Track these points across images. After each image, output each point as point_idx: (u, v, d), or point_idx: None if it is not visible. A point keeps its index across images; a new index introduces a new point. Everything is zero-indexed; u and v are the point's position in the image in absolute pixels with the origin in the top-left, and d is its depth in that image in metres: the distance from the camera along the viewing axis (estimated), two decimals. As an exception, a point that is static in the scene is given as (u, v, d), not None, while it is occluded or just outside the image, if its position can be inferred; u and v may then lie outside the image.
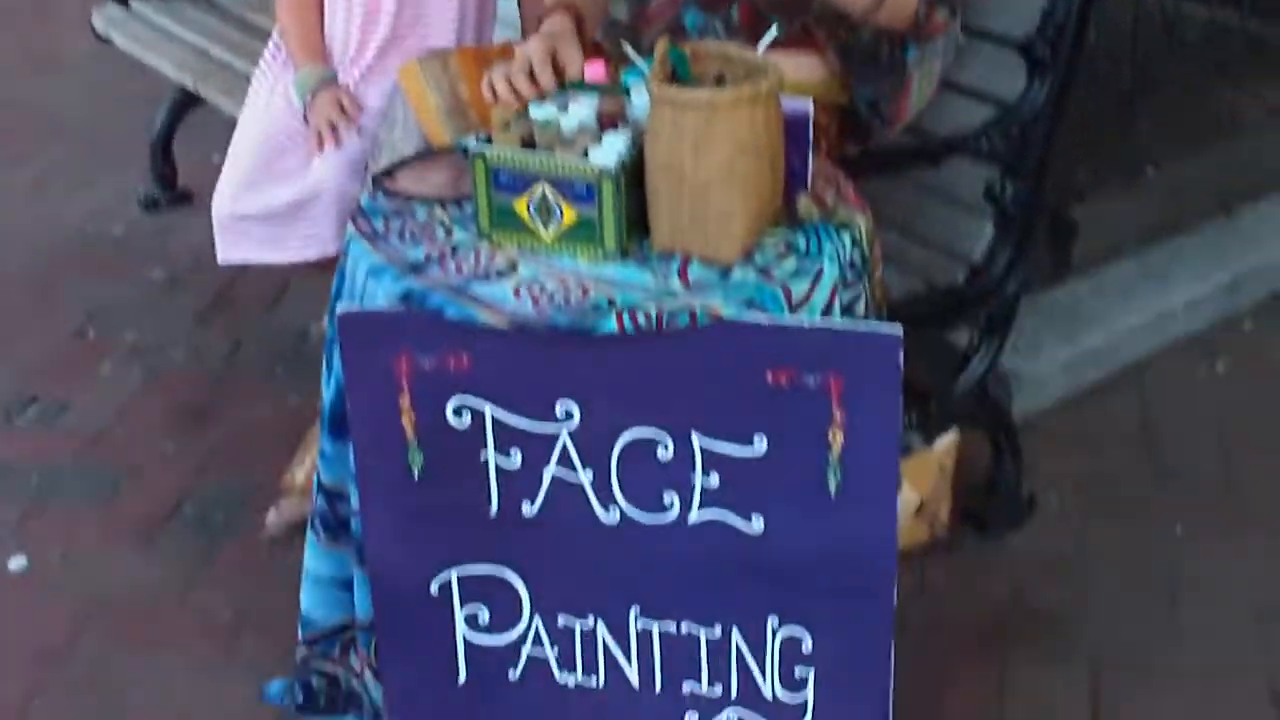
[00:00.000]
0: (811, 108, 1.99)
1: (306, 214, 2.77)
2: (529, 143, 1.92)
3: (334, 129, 2.75)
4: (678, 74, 1.93)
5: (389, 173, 2.16)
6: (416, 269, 1.86)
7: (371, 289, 1.87)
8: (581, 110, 1.98)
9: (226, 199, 2.81)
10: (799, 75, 2.30)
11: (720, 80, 1.95)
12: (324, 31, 2.88)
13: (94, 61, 4.95)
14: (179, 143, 4.06)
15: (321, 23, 2.89)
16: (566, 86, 2.10)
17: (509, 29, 3.05)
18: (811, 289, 1.86)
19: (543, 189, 1.88)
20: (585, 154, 1.88)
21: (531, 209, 1.90)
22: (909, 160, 2.58)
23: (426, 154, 2.26)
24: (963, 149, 2.54)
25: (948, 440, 2.70)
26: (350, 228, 1.99)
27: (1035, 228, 2.67)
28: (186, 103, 3.94)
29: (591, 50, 2.38)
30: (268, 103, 2.88)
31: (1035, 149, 2.56)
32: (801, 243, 1.93)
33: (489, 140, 1.94)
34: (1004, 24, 2.58)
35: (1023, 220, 2.59)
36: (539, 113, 1.97)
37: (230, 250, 2.84)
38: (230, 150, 2.86)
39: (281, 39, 2.94)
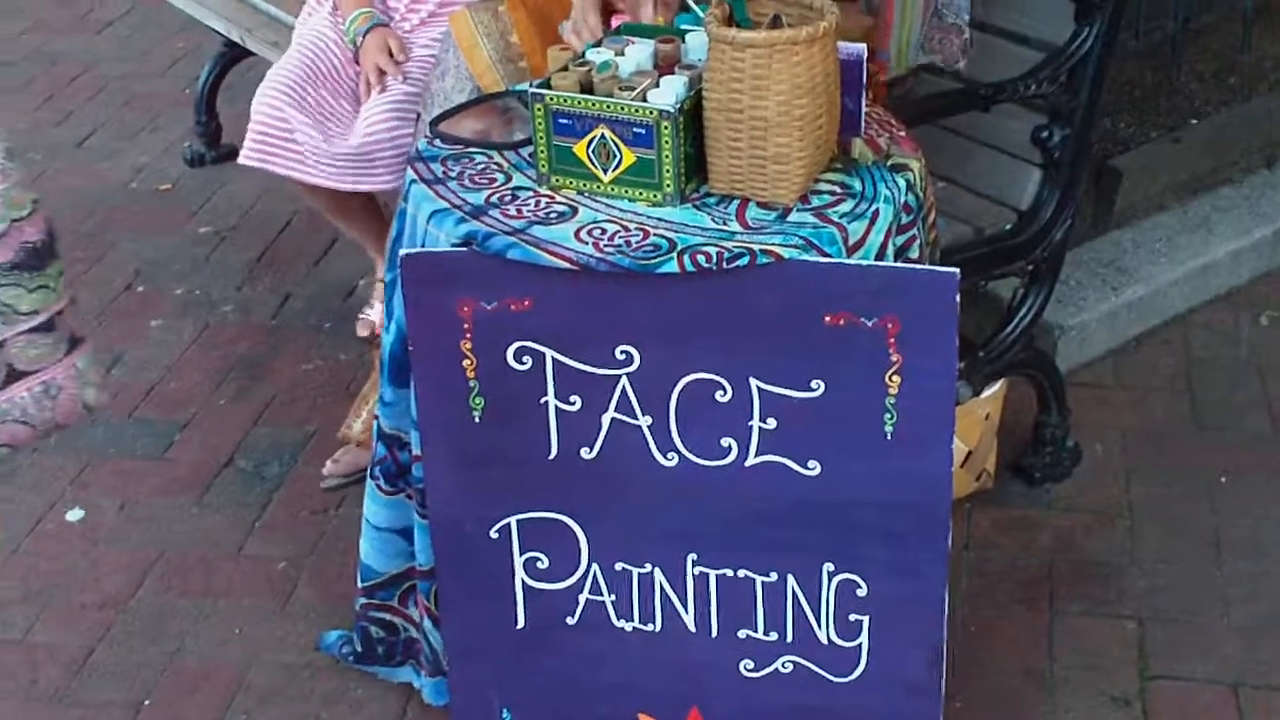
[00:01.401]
0: (865, 51, 2.00)
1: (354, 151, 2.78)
2: (587, 87, 1.94)
3: (381, 74, 2.78)
4: (735, 17, 1.94)
5: (445, 118, 2.17)
6: (478, 212, 1.88)
7: (433, 233, 1.88)
8: (639, 53, 1.99)
9: (269, 98, 2.79)
10: (848, 22, 2.31)
11: (776, 22, 1.95)
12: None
13: (137, 18, 4.99)
14: (223, 98, 4.07)
15: None
16: (622, 29, 2.11)
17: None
18: (867, 231, 1.87)
19: (602, 131, 1.89)
20: (644, 96, 1.90)
21: (591, 152, 1.91)
22: (958, 105, 2.57)
23: (481, 99, 2.27)
24: (1011, 94, 2.54)
25: (994, 391, 2.70)
26: (410, 172, 2.00)
27: (1082, 175, 2.68)
28: (231, 57, 3.95)
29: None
30: (315, 27, 2.91)
31: (1084, 93, 2.56)
32: (857, 185, 1.95)
33: (547, 84, 1.95)
34: (1056, -30, 2.58)
35: (1070, 167, 2.59)
36: (597, 56, 1.99)
37: (257, 155, 2.80)
38: (277, 63, 2.89)
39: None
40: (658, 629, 2.04)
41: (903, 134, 2.11)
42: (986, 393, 2.68)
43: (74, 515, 2.81)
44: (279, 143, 2.77)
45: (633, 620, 2.04)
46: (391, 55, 2.79)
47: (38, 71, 4.67)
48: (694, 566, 1.98)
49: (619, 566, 2.00)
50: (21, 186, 1.44)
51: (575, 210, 1.89)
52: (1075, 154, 2.59)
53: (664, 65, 2.01)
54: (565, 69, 1.96)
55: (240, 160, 2.82)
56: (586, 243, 1.82)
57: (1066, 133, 2.56)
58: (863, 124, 2.01)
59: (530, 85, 1.97)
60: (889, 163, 2.00)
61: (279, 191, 3.63)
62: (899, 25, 2.44)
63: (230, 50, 3.89)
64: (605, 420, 1.90)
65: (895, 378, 1.82)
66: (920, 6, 2.44)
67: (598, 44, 2.06)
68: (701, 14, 2.04)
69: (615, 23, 2.17)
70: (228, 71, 4.03)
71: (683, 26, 2.10)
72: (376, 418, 2.15)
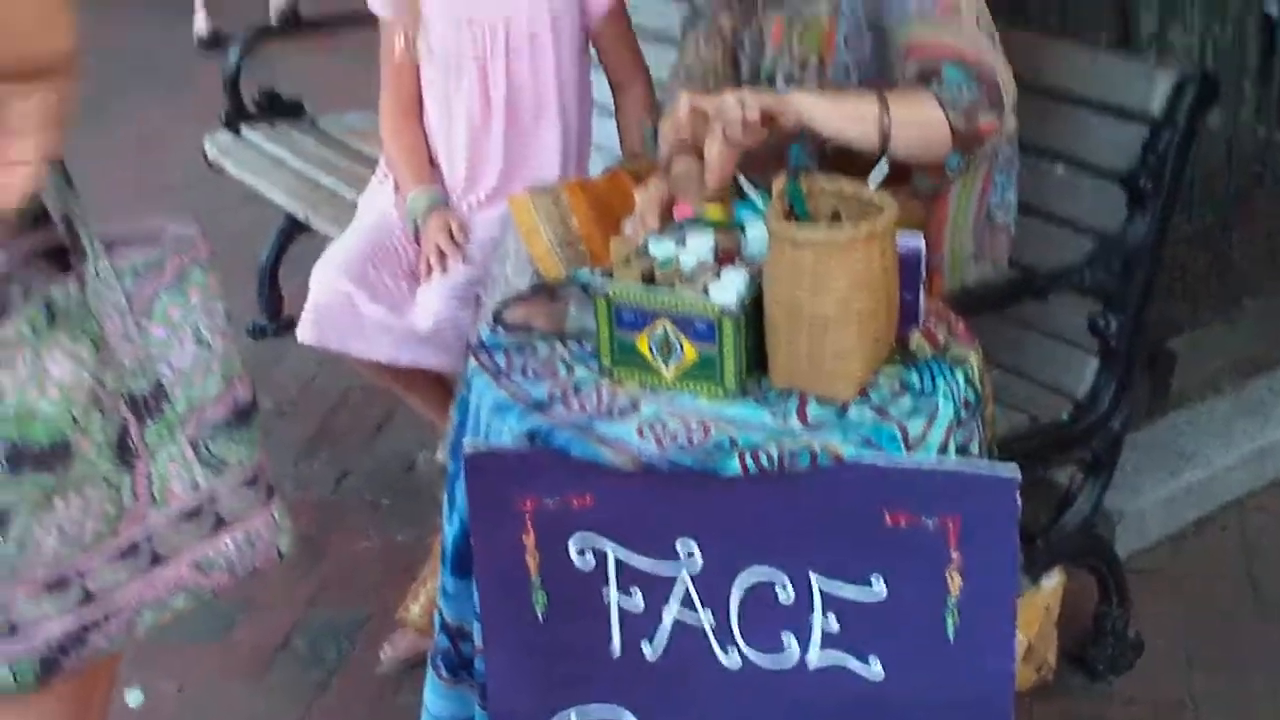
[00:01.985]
0: (923, 245, 2.02)
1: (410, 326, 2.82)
2: (649, 279, 1.96)
3: (442, 255, 2.82)
4: (795, 210, 1.96)
5: (507, 306, 2.20)
6: (540, 406, 1.90)
7: (496, 426, 1.90)
8: (700, 246, 2.02)
9: (329, 275, 2.83)
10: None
11: (836, 216, 1.98)
12: (431, 157, 2.97)
13: (206, 186, 5.08)
14: (286, 271, 4.13)
15: (427, 147, 2.98)
16: (682, 225, 2.14)
17: (607, 156, 3.12)
18: (927, 428, 1.87)
19: (664, 326, 1.91)
20: (705, 291, 1.92)
21: (653, 346, 1.93)
22: (1013, 296, 2.59)
23: (542, 287, 2.30)
24: (1065, 283, 2.56)
25: (1053, 581, 2.67)
26: (472, 362, 2.02)
27: (1138, 362, 2.68)
28: (294, 231, 4.03)
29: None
30: (379, 206, 2.97)
31: (1138, 282, 2.56)
32: (916, 380, 1.95)
33: (609, 275, 1.98)
34: (1105, 157, 2.60)
35: (1126, 354, 2.59)
36: (659, 249, 2.01)
37: (315, 331, 2.82)
38: (337, 240, 2.94)
39: (389, 167, 3.03)
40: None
41: (960, 326, 2.12)
42: (1045, 584, 2.65)
43: (133, 698, 2.80)
44: (336, 318, 2.80)
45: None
46: (452, 236, 2.84)
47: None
48: (756, 764, 1.96)
49: (680, 762, 1.98)
50: (236, 343, 1.50)
51: (636, 405, 1.91)
52: (1131, 341, 2.59)
53: (724, 255, 2.03)
54: (627, 261, 1.99)
55: (297, 335, 2.85)
56: (648, 439, 1.82)
57: (1122, 320, 2.57)
58: (921, 316, 2.03)
59: (592, 275, 2.00)
60: (947, 356, 2.01)
61: (338, 365, 3.65)
62: (951, 234, 2.47)
63: (294, 224, 3.96)
64: (667, 617, 1.89)
65: (956, 577, 1.81)
66: (973, 210, 2.47)
67: (659, 236, 2.09)
68: (760, 203, 2.07)
69: (678, 215, 2.20)
70: (290, 244, 4.10)
71: (743, 217, 2.13)
72: (439, 608, 2.15)
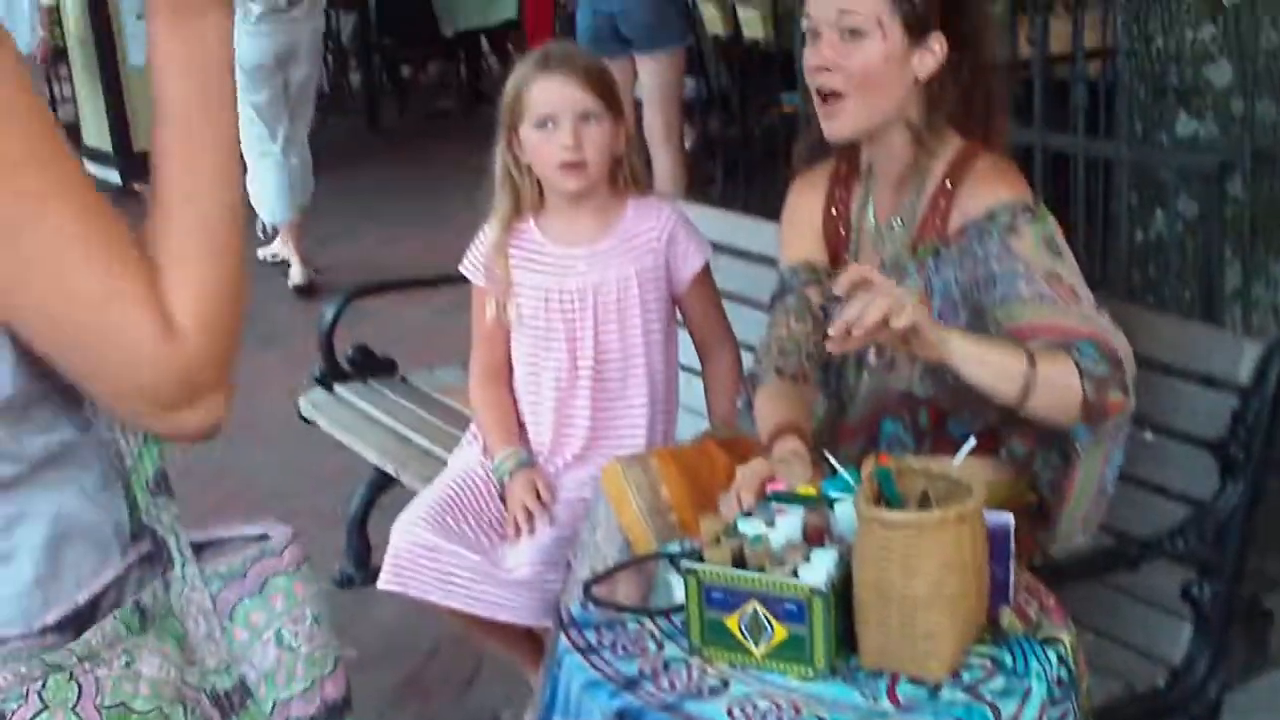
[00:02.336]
0: (1012, 520, 2.03)
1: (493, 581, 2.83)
2: (739, 558, 1.98)
3: (529, 516, 2.85)
4: (884, 492, 1.99)
5: (597, 580, 2.22)
6: (630, 685, 1.91)
7: (587, 705, 1.91)
8: (789, 525, 2.04)
9: (412, 524, 2.87)
10: (986, 476, 2.35)
11: (925, 497, 2.00)
12: (519, 417, 3.03)
13: (298, 432, 5.18)
14: (374, 520, 4.18)
15: (516, 407, 3.03)
16: (771, 499, 2.17)
17: (697, 417, 3.16)
18: (1020, 708, 1.86)
19: (754, 606, 1.93)
20: (795, 572, 1.93)
21: (743, 626, 1.94)
22: (1106, 566, 2.58)
23: (633, 561, 2.32)
24: (1158, 551, 2.55)
25: None
26: (562, 639, 2.04)
27: (1234, 628, 2.65)
28: (384, 483, 4.08)
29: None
30: (466, 462, 3.02)
31: (1232, 548, 2.55)
32: (1008, 659, 1.94)
33: (699, 554, 2.00)
34: (1194, 424, 2.61)
35: (1221, 620, 2.57)
36: (748, 528, 2.04)
37: (395, 580, 2.86)
38: (424, 491, 2.98)
39: (478, 428, 3.09)
40: None
41: (1052, 602, 2.11)
42: None
43: None
44: (417, 567, 2.84)
45: None
46: (539, 497, 2.88)
47: (201, 484, 4.84)
48: None
49: None
50: (325, 646, 1.51)
51: (727, 684, 1.91)
52: (1226, 608, 2.57)
53: (813, 534, 2.05)
54: (717, 540, 2.01)
55: (379, 585, 2.88)
56: (739, 719, 1.82)
57: (1216, 588, 2.55)
58: (1012, 593, 2.03)
59: (682, 549, 2.02)
60: (1039, 635, 2.00)
61: (428, 615, 3.67)
62: (1073, 505, 2.47)
63: (384, 476, 4.02)
64: None
65: None
66: (1095, 485, 2.48)
67: (748, 513, 2.11)
68: (849, 478, 2.10)
69: (769, 487, 2.22)
70: (380, 495, 4.16)
71: (831, 493, 2.15)
72: None
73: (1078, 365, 2.23)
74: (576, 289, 2.93)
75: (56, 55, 8.92)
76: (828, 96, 2.44)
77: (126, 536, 1.40)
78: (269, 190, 6.74)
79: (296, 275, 6.93)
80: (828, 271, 2.60)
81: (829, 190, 2.64)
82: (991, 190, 2.39)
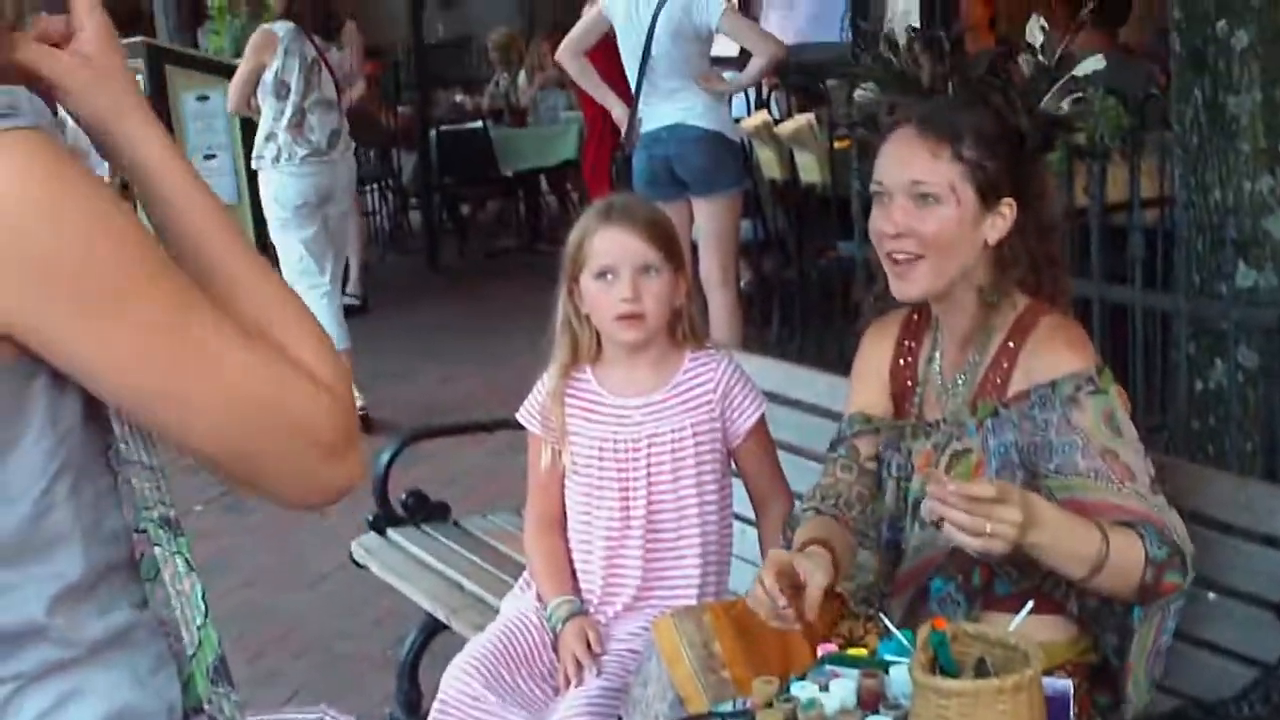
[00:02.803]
0: (1071, 687, 2.00)
1: None
2: (792, 724, 1.95)
3: (579, 666, 2.82)
4: (939, 657, 1.96)
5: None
6: None
7: None
8: (843, 689, 2.01)
9: (461, 675, 2.84)
10: (1044, 635, 2.33)
11: (981, 664, 1.97)
12: (573, 567, 3.01)
13: (348, 575, 5.17)
14: (425, 665, 4.15)
15: (569, 556, 3.02)
16: (824, 661, 2.14)
17: (751, 568, 3.13)
18: None
19: (806, 774, 1.89)
20: (848, 741, 1.90)
21: (796, 797, 1.90)
22: (1171, 729, 2.53)
23: (685, 720, 2.30)
24: (1225, 715, 2.49)
25: None
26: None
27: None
28: (436, 628, 4.06)
29: (835, 604, 2.46)
30: (519, 610, 3.00)
31: (1298, 715, 2.50)
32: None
33: (751, 715, 1.97)
34: (1257, 585, 2.57)
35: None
36: (802, 692, 2.01)
37: None
38: (474, 639, 2.97)
39: (531, 575, 3.07)
40: None
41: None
42: None
43: None
44: (467, 718, 2.80)
45: None
46: (589, 647, 2.85)
47: (247, 627, 4.83)
48: None
49: None
50: None
51: None
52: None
53: (868, 699, 2.02)
54: (771, 704, 1.98)
55: None
56: None
57: (1282, 751, 2.49)
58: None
59: (734, 709, 1.99)
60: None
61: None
62: (1137, 646, 2.43)
63: (435, 621, 4.00)
64: None
65: None
66: (1149, 650, 2.44)
67: (802, 677, 2.08)
68: (904, 640, 2.07)
69: (821, 650, 2.20)
70: (431, 640, 4.13)
71: (885, 656, 2.12)
72: None
73: (1144, 547, 2.24)
74: (631, 440, 2.93)
75: (125, 184, 9.09)
76: (899, 259, 2.44)
77: (179, 717, 1.39)
78: (323, 321, 6.80)
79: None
80: (890, 424, 2.59)
81: (899, 339, 2.65)
82: (1056, 358, 2.39)
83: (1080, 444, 2.31)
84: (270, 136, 6.66)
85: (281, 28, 6.66)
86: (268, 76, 6.64)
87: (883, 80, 2.58)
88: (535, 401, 3.05)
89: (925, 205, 2.41)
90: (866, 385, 2.67)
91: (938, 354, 2.58)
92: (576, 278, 2.92)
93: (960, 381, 2.51)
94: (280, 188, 6.64)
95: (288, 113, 6.62)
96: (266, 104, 6.69)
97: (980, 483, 2.20)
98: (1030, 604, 2.06)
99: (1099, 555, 2.21)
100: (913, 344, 2.63)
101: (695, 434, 2.92)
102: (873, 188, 2.49)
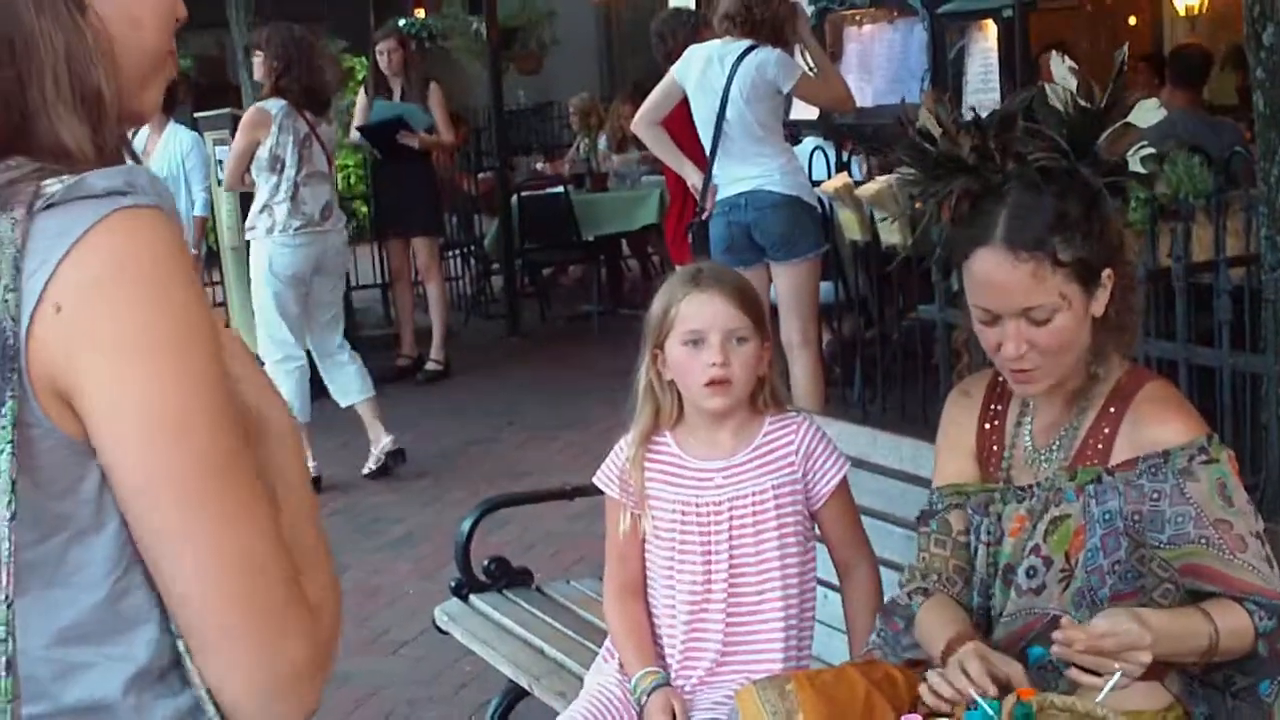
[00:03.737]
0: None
1: None
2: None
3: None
4: (1026, 729, 1.93)
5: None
6: None
7: None
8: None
9: None
10: (1135, 704, 2.30)
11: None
12: (655, 633, 2.99)
13: (430, 639, 5.18)
14: (507, 731, 4.15)
15: (652, 624, 3.00)
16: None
17: (834, 634, 3.11)
18: None
19: None
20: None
21: None
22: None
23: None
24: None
25: None
26: None
27: None
28: (518, 695, 4.05)
29: (920, 672, 2.43)
30: (603, 683, 2.99)
31: None
32: None
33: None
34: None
35: None
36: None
37: None
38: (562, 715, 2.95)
39: (614, 644, 3.06)
40: None
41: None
42: None
43: None
44: None
45: None
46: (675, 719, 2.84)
47: (329, 693, 4.82)
48: None
49: None
50: None
51: None
52: None
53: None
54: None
55: None
56: None
57: None
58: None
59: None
60: None
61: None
62: None
63: (517, 688, 3.99)
64: None
65: None
66: None
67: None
68: (990, 711, 2.04)
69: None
70: (514, 706, 4.12)
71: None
72: None
73: (1253, 624, 2.26)
74: (713, 503, 2.92)
75: (210, 258, 9.25)
76: (1021, 370, 2.42)
77: None
78: (289, 393, 6.91)
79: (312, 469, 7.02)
80: (978, 488, 2.56)
81: (985, 403, 2.62)
82: (1167, 428, 2.37)
83: (1193, 514, 2.30)
84: (265, 209, 6.84)
85: (274, 105, 6.84)
86: (262, 152, 6.83)
87: (922, 165, 2.55)
88: (614, 466, 3.05)
89: (1040, 324, 2.37)
90: (954, 454, 2.63)
91: (1028, 418, 2.55)
92: (661, 344, 2.92)
93: (1055, 446, 2.48)
94: (274, 258, 6.78)
95: (283, 186, 6.82)
96: (261, 178, 6.87)
97: (1103, 625, 2.19)
98: (1118, 675, 2.03)
99: (1209, 644, 2.24)
100: (999, 407, 2.60)
101: (777, 496, 2.91)
102: (975, 311, 2.44)
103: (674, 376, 2.93)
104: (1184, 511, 2.30)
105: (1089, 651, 2.13)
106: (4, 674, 1.24)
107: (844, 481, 2.97)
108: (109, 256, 1.21)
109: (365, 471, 7.12)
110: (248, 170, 6.88)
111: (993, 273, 2.38)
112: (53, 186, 1.22)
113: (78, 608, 1.26)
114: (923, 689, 2.31)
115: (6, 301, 1.20)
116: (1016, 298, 2.36)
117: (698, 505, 2.92)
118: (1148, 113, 2.45)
